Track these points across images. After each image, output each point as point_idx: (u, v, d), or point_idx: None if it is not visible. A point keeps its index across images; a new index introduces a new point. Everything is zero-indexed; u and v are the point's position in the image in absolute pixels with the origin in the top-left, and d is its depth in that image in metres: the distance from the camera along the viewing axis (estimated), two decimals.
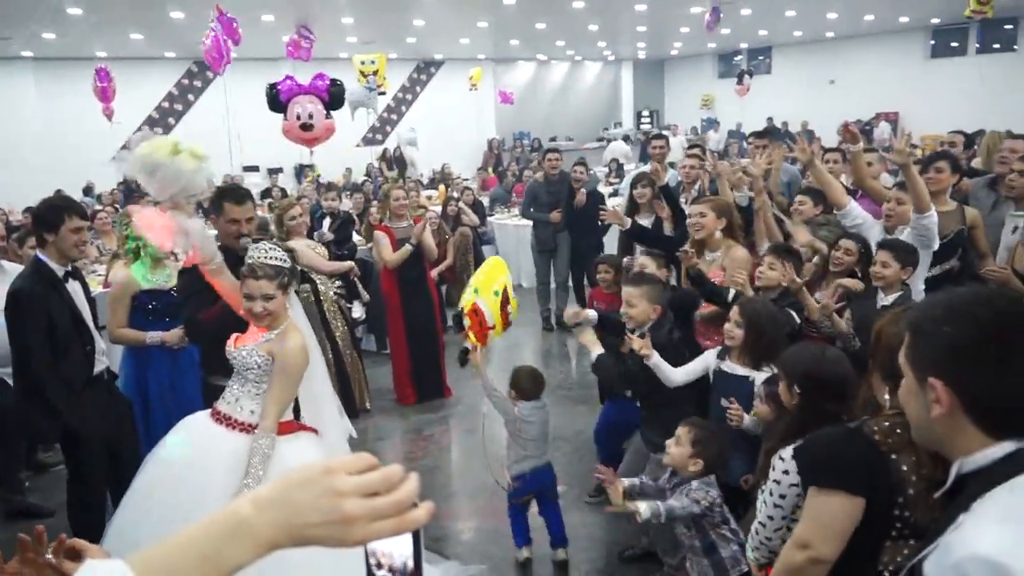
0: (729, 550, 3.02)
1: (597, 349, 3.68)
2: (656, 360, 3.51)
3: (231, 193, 3.81)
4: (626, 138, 20.14)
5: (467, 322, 3.67)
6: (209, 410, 3.10)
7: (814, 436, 1.98)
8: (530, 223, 8.38)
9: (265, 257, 3.05)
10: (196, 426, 3.07)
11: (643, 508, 2.98)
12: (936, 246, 4.03)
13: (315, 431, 3.13)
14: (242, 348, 2.99)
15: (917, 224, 3.85)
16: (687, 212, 4.71)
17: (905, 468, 1.74)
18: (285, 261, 3.07)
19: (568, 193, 7.57)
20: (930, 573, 1.19)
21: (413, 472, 0.86)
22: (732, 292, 3.88)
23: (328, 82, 7.56)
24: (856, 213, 4.22)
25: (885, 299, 3.64)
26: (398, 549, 0.82)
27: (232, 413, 2.99)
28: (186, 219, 3.09)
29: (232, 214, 3.67)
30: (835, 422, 2.31)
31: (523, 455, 3.82)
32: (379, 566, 0.82)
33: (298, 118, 7.46)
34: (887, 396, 1.88)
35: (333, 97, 7.57)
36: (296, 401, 3.07)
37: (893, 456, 1.74)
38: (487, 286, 3.72)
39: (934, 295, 1.40)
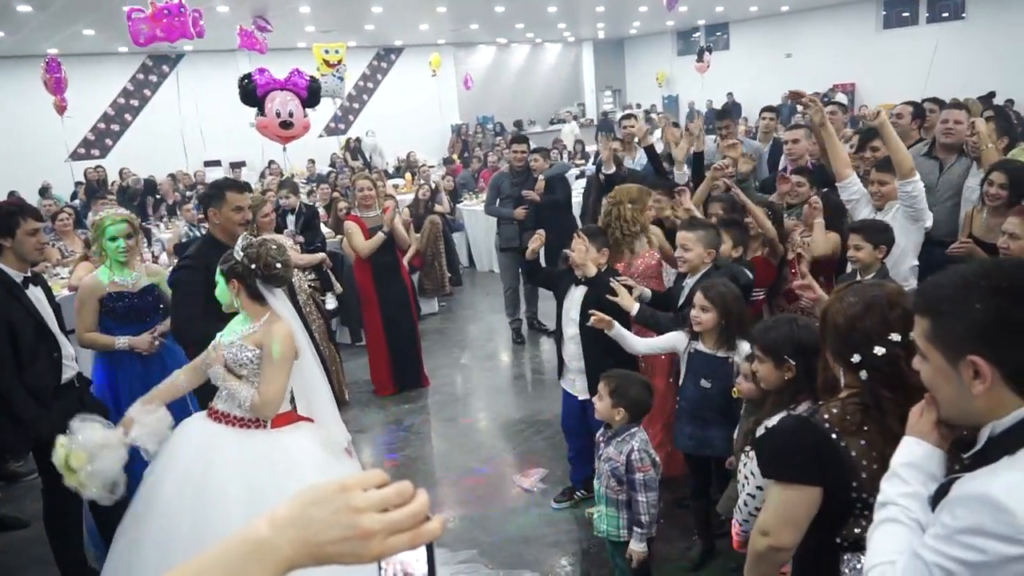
0: (647, 496, 3.09)
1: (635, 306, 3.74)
2: (617, 330, 3.63)
3: (233, 183, 4.04)
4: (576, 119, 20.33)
5: None
6: (206, 411, 3.09)
7: (771, 430, 2.04)
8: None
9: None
10: (195, 429, 3.04)
11: (636, 546, 3.13)
12: (929, 222, 4.03)
13: (311, 420, 3.14)
14: (230, 345, 2.99)
15: (903, 192, 3.82)
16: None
17: (855, 453, 1.80)
18: (238, 252, 3.03)
19: (534, 185, 6.94)
20: (951, 492, 1.28)
21: (422, 488, 0.88)
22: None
23: (308, 80, 7.45)
24: (855, 188, 4.15)
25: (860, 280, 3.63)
26: (413, 562, 0.83)
27: (230, 410, 2.99)
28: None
29: (237, 201, 3.84)
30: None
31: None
32: None
33: (278, 115, 7.33)
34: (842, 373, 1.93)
35: (311, 94, 7.46)
36: (291, 393, 3.09)
37: (843, 444, 1.80)
38: None
39: (933, 276, 1.43)
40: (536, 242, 4.17)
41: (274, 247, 3.06)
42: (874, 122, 3.77)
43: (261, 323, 3.02)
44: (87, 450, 2.81)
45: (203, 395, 3.33)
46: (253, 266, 2.98)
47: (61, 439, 2.84)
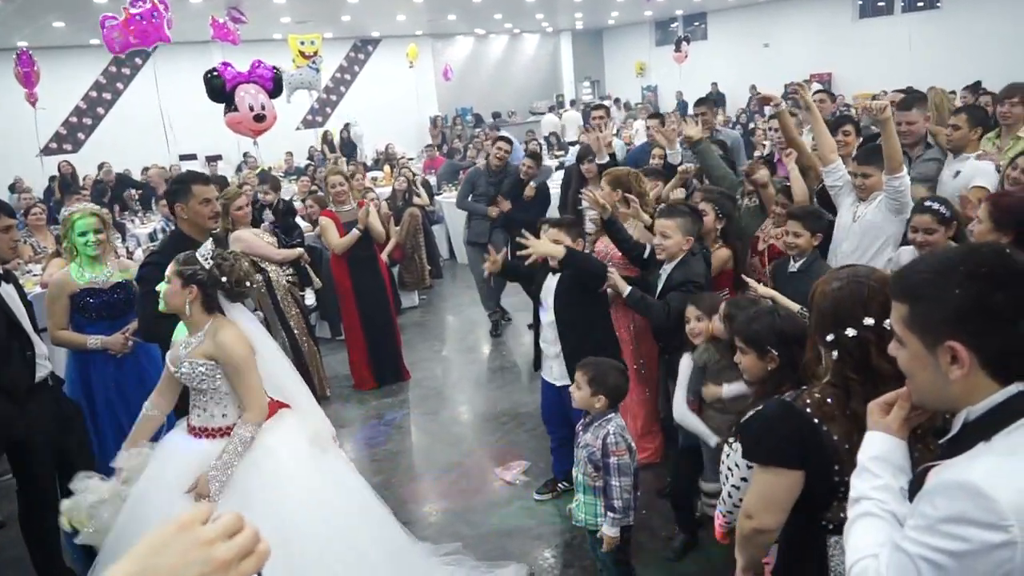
0: (621, 481, 3.07)
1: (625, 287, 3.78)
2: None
3: (197, 176, 3.91)
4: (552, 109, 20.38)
5: None
6: (184, 427, 3.02)
7: (755, 415, 2.06)
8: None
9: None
10: (177, 446, 2.98)
11: (607, 531, 3.10)
12: (909, 214, 4.06)
13: (288, 406, 3.10)
14: (180, 365, 2.91)
15: (890, 186, 3.81)
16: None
17: (836, 437, 1.83)
18: (206, 259, 2.92)
19: (515, 186, 6.99)
20: (929, 482, 1.28)
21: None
22: (648, 249, 4.04)
23: (272, 70, 7.38)
24: (840, 174, 4.13)
25: (794, 266, 3.80)
26: None
27: (207, 423, 2.94)
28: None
29: (204, 194, 3.71)
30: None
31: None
32: None
33: (251, 109, 7.25)
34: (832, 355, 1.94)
35: (276, 84, 7.41)
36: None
37: (825, 428, 1.83)
38: None
39: (911, 262, 1.44)
40: (492, 264, 4.15)
41: (246, 264, 2.99)
42: (881, 116, 3.78)
43: (204, 332, 2.91)
44: (86, 512, 2.84)
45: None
46: (224, 279, 2.90)
47: (64, 505, 2.87)
